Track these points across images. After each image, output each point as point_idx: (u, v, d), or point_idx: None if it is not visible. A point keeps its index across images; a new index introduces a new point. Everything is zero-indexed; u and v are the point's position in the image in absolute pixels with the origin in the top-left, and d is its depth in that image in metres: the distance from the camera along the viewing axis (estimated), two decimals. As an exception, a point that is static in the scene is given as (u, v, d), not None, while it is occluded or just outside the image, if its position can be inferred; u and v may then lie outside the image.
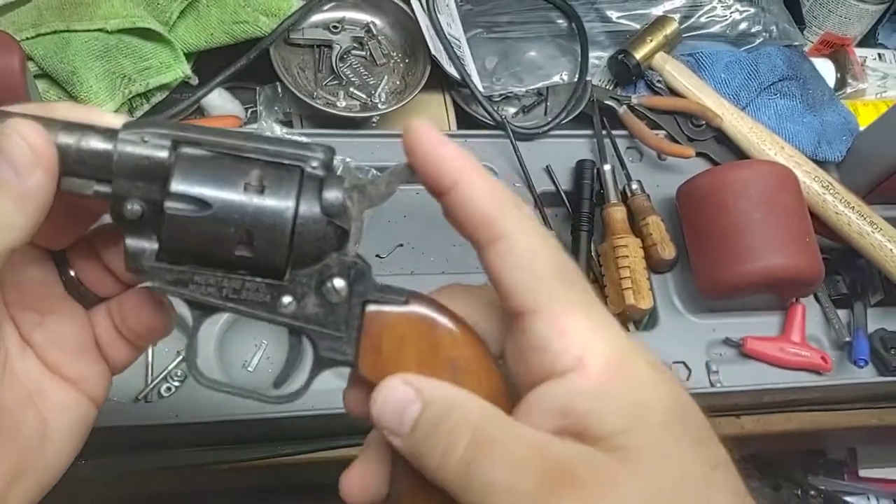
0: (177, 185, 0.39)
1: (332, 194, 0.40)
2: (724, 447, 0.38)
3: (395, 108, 1.03)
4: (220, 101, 1.01)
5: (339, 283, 0.41)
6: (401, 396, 0.40)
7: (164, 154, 0.39)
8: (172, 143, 0.40)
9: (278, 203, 0.40)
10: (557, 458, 0.36)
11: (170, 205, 0.39)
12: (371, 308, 0.42)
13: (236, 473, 0.84)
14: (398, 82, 1.08)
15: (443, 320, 0.42)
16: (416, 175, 0.42)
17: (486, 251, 0.40)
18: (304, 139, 0.42)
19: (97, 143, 0.39)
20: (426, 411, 0.39)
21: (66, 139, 0.39)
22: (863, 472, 1.32)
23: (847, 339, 1.00)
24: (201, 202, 0.39)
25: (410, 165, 0.42)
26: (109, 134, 0.40)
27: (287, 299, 0.41)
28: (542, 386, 0.38)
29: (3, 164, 0.37)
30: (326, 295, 0.41)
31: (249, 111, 1.04)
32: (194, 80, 0.99)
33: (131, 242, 0.41)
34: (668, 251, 0.97)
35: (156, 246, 0.41)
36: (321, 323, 0.42)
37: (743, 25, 1.21)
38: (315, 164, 0.41)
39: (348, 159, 0.44)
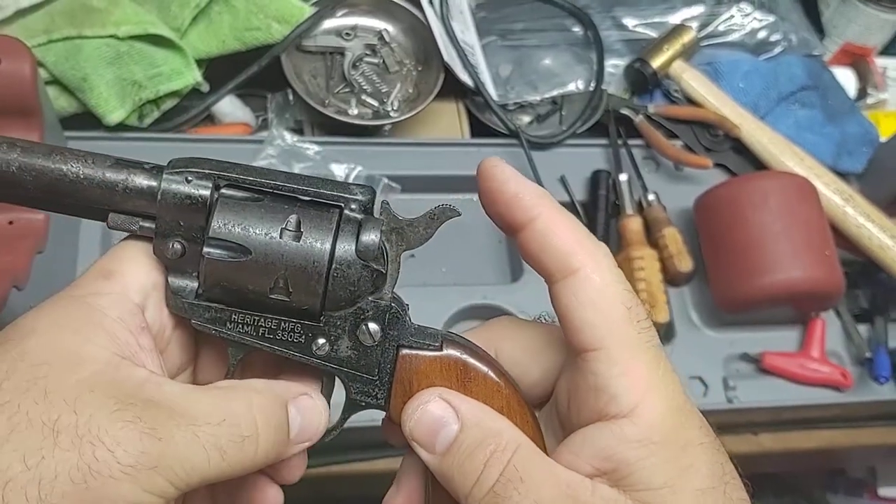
0: (216, 230, 0.40)
1: (370, 237, 0.40)
2: None
3: (407, 116, 1.01)
4: (230, 109, 1.00)
5: (373, 326, 0.41)
6: (436, 414, 0.40)
7: (205, 193, 0.40)
8: (214, 183, 0.40)
9: (315, 248, 0.40)
10: (585, 501, 0.36)
11: (208, 250, 0.40)
12: (404, 352, 0.42)
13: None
14: (411, 90, 1.07)
15: (477, 365, 0.42)
16: (490, 212, 0.42)
17: (559, 285, 0.39)
18: (342, 179, 0.43)
19: (143, 181, 0.40)
20: (462, 435, 0.39)
21: (114, 176, 0.40)
22: (882, 492, 1.29)
23: (868, 354, 0.98)
24: (239, 248, 0.40)
25: (485, 203, 0.41)
26: (155, 172, 0.41)
27: (321, 341, 0.42)
28: (591, 427, 0.38)
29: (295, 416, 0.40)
30: (360, 338, 0.42)
31: (260, 119, 1.03)
32: (205, 87, 0.98)
33: (173, 280, 0.41)
34: (684, 263, 0.95)
35: (195, 284, 0.41)
36: (353, 366, 0.42)
37: (762, 34, 1.20)
38: (354, 206, 0.41)
39: (386, 201, 0.43)
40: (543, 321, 0.46)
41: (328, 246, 0.40)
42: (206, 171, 0.41)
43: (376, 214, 0.43)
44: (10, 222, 0.82)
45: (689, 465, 0.37)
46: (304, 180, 0.41)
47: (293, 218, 0.40)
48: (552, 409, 0.44)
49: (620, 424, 0.37)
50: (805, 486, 1.31)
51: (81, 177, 0.40)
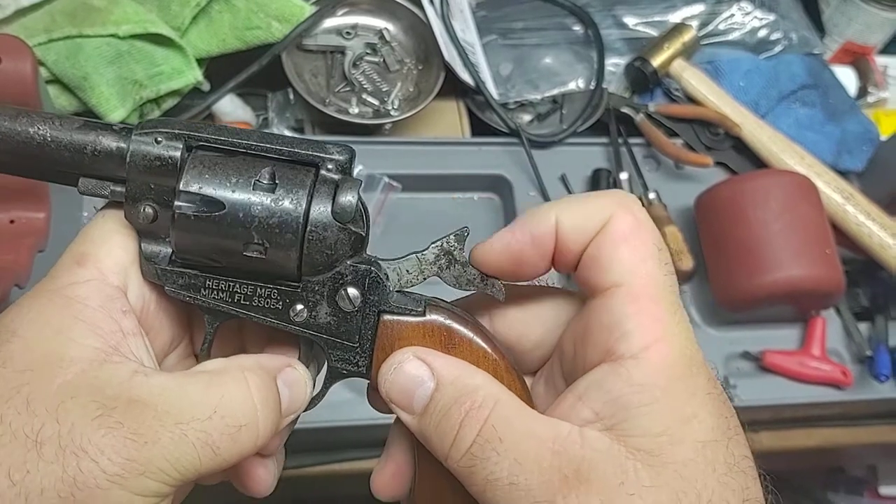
0: (186, 185, 0.38)
1: (347, 199, 0.39)
2: (760, 484, 0.37)
3: (408, 114, 1.01)
4: (231, 108, 1.00)
5: (352, 291, 0.40)
6: (412, 373, 0.39)
7: (176, 154, 0.39)
8: (185, 143, 0.39)
9: (289, 205, 0.38)
10: (573, 455, 0.35)
11: (179, 204, 0.38)
12: (386, 318, 0.41)
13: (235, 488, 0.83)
14: (411, 89, 1.07)
15: (462, 331, 0.41)
16: (529, 270, 0.40)
17: (597, 236, 0.39)
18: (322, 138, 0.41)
19: (111, 143, 0.39)
20: (438, 394, 0.38)
21: (82, 138, 0.39)
22: (883, 490, 1.29)
23: (868, 353, 0.98)
24: (211, 202, 0.38)
25: (521, 273, 0.41)
26: (124, 134, 0.39)
27: (299, 307, 0.40)
28: (596, 370, 0.37)
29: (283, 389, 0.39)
30: (339, 303, 0.40)
31: (261, 118, 1.03)
32: (206, 86, 0.98)
33: (146, 246, 0.40)
34: (685, 262, 0.95)
35: (169, 250, 0.40)
36: (333, 333, 0.41)
37: (762, 33, 1.20)
38: (331, 166, 0.40)
39: (467, 228, 0.43)
40: (537, 283, 0.45)
41: (303, 207, 0.38)
42: (177, 132, 0.39)
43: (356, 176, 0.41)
44: (12, 221, 0.82)
45: (692, 414, 0.35)
46: (278, 139, 0.40)
47: (266, 171, 0.39)
48: (553, 367, 0.43)
49: (627, 366, 0.36)
50: (806, 485, 1.31)
51: (48, 139, 0.39)
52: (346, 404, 0.71)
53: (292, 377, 0.41)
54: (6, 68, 0.77)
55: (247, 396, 0.37)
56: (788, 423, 0.98)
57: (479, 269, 0.41)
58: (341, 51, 1.06)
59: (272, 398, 0.39)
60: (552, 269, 0.41)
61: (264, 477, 0.43)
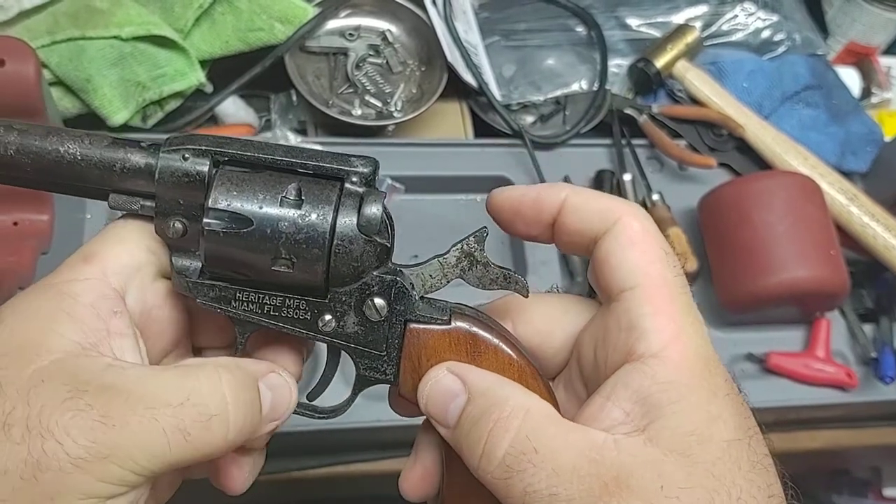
0: (214, 202, 0.39)
1: (372, 211, 0.40)
2: (779, 480, 0.37)
3: (411, 116, 1.01)
4: (233, 109, 1.00)
5: (379, 301, 0.41)
6: (446, 387, 0.40)
7: (203, 170, 0.40)
8: (212, 159, 0.40)
9: (315, 224, 0.39)
10: (611, 462, 0.35)
11: (208, 221, 0.39)
12: (412, 327, 0.42)
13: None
14: (414, 90, 1.07)
15: (487, 337, 0.41)
16: (520, 227, 0.42)
17: (604, 237, 0.40)
18: (346, 151, 0.43)
19: (140, 160, 0.40)
20: (470, 406, 0.39)
21: (112, 155, 0.40)
22: (887, 492, 1.29)
23: (873, 354, 0.97)
24: (239, 218, 0.39)
25: (512, 221, 0.42)
26: (152, 151, 0.40)
27: (327, 317, 0.41)
28: (622, 370, 0.38)
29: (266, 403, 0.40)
30: (366, 313, 0.41)
31: (263, 119, 1.03)
32: (209, 88, 0.98)
33: (177, 260, 0.41)
34: (689, 264, 0.95)
35: (199, 263, 0.41)
36: (361, 342, 0.42)
37: (765, 34, 1.20)
38: (355, 178, 0.41)
39: (486, 228, 0.43)
40: (556, 291, 0.46)
41: (329, 221, 0.39)
42: (204, 148, 0.40)
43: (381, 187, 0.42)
44: (15, 223, 0.82)
45: (717, 414, 0.36)
46: (303, 153, 0.41)
47: (293, 187, 0.40)
48: (572, 373, 0.43)
49: (650, 364, 0.37)
50: (809, 487, 1.31)
51: (79, 157, 0.40)
52: (353, 407, 0.71)
53: (275, 382, 0.41)
54: (9, 70, 0.77)
55: (217, 388, 0.37)
56: (793, 425, 0.98)
57: (491, 212, 0.43)
58: (344, 52, 1.06)
59: (246, 397, 0.39)
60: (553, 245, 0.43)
61: (237, 475, 0.43)
